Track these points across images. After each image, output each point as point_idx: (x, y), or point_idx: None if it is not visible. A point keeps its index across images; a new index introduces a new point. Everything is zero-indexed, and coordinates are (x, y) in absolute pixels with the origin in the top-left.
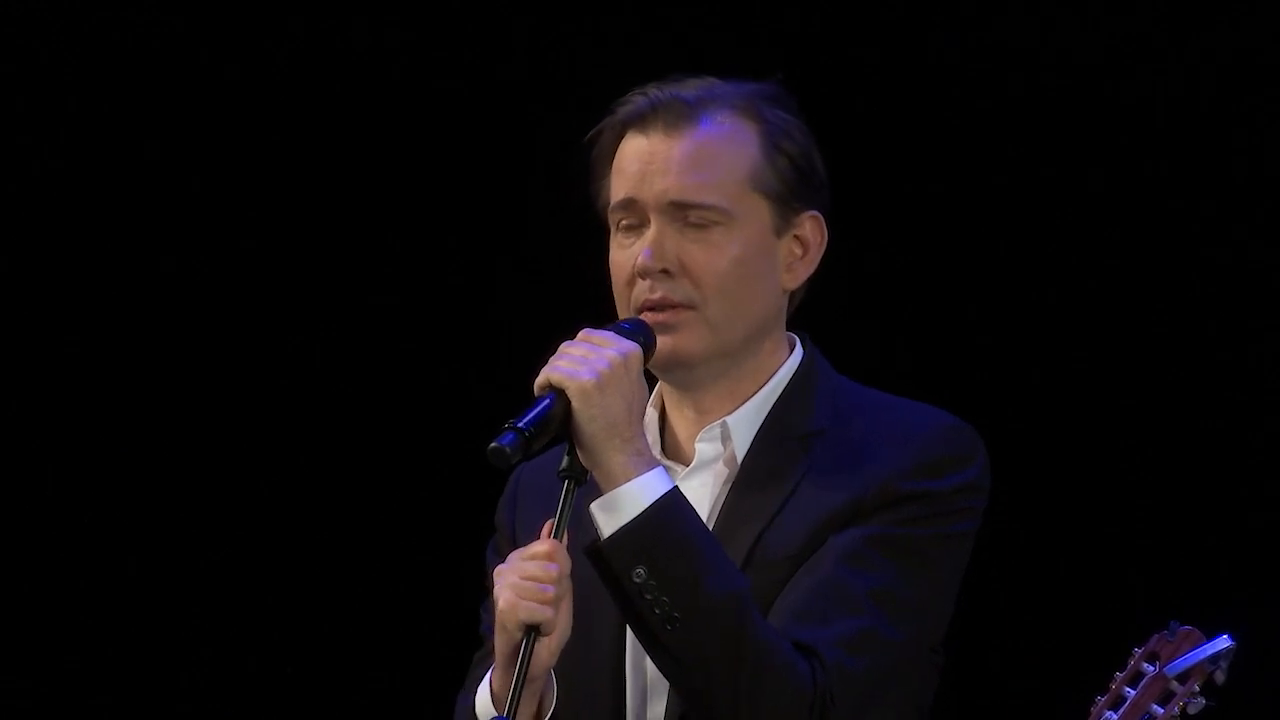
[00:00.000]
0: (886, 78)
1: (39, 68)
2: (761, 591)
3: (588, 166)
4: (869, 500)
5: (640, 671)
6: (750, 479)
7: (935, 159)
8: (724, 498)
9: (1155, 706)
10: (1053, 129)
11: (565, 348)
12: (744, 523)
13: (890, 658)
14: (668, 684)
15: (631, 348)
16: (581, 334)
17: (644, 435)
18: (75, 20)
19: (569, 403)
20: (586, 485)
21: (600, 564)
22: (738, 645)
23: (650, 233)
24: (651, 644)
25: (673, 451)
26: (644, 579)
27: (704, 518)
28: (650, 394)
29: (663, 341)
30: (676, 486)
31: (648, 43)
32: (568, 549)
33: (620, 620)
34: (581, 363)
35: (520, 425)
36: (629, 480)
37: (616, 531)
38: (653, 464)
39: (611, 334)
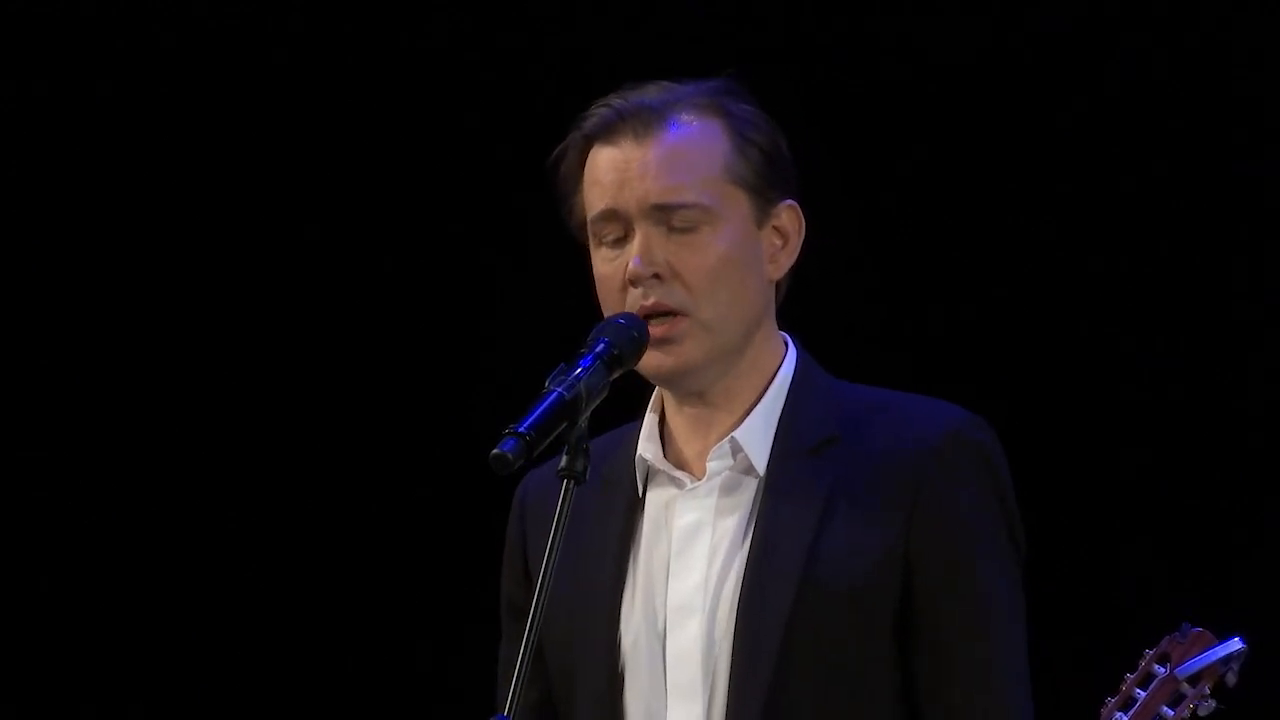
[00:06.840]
0: (886, 77)
1: (37, 67)
2: (819, 615)
3: (555, 187)
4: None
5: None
6: (779, 492)
7: (935, 158)
8: (758, 511)
9: (1166, 708)
10: (1052, 128)
11: None
12: (787, 537)
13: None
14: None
15: None
16: None
17: None
18: (74, 19)
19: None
20: (586, 484)
21: None
22: None
23: (637, 239)
24: None
25: (675, 457)
26: None
27: (743, 531)
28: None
29: (662, 358)
30: None
31: (647, 41)
32: (564, 549)
33: (617, 569)
34: None
35: (521, 430)
36: None
37: None
38: None
39: None
